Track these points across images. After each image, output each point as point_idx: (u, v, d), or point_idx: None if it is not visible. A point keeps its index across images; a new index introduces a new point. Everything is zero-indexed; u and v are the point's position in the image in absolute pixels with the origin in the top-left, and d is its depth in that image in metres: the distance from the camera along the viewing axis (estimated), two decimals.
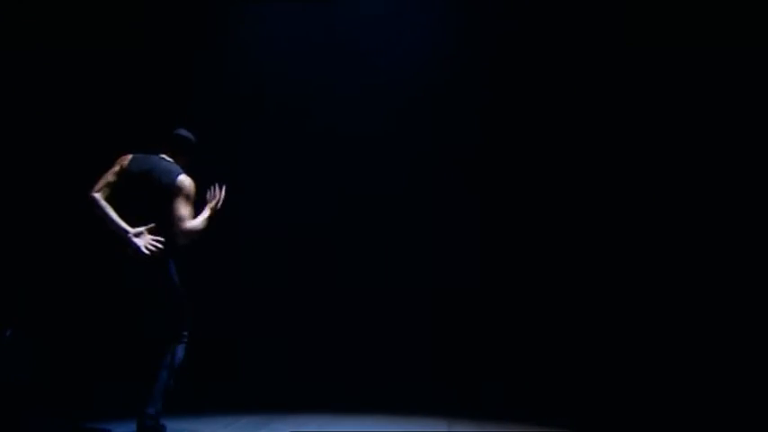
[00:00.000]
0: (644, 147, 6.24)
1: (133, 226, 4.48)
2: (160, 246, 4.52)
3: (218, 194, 4.76)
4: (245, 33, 6.85)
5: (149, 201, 4.59)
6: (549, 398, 6.01)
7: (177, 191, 4.56)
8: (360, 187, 6.70)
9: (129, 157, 4.68)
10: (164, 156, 4.73)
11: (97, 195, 4.54)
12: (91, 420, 5.12)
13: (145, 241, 4.50)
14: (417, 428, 5.14)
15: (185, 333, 4.65)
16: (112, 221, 4.49)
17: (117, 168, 4.64)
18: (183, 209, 4.55)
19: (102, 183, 4.58)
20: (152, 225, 4.54)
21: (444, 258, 6.58)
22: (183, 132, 4.84)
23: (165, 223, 4.54)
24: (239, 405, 5.82)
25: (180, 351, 4.60)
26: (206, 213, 4.68)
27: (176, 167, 4.68)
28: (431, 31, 6.72)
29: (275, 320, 6.57)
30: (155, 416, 4.54)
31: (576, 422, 5.37)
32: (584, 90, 6.44)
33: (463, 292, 6.50)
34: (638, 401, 5.75)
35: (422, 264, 6.59)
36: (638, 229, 6.22)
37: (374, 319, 6.51)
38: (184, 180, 4.61)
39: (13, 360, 4.74)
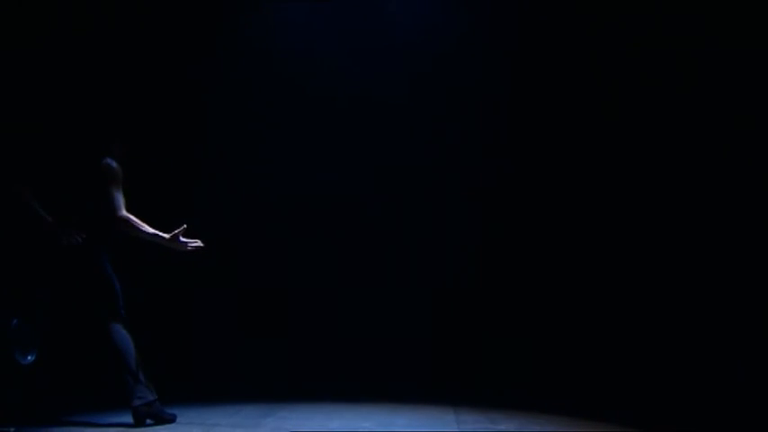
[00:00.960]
0: (654, 138, 6.18)
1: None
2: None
3: (189, 245, 4.71)
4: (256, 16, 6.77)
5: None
6: (550, 384, 6.05)
7: (102, 175, 4.67)
8: (362, 174, 6.67)
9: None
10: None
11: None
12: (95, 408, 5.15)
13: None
14: (424, 418, 5.11)
15: (122, 314, 4.72)
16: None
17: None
18: (113, 193, 4.65)
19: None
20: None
21: (446, 245, 6.56)
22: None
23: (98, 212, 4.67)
24: (242, 395, 5.78)
25: (119, 332, 4.65)
26: (159, 233, 4.67)
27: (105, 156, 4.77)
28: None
29: (278, 311, 6.54)
30: (142, 404, 4.62)
31: (577, 407, 5.36)
32: (592, 87, 6.37)
33: (467, 276, 6.51)
34: (629, 388, 5.78)
35: (424, 251, 6.57)
36: (645, 225, 6.17)
37: (378, 309, 6.48)
38: (109, 163, 4.71)
39: (19, 343, 4.71)
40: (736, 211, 5.74)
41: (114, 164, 4.76)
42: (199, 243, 4.73)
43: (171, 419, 4.78)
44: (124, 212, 4.65)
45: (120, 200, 4.68)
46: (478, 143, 6.61)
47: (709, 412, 5.09)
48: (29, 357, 4.86)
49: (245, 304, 6.58)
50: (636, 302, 6.10)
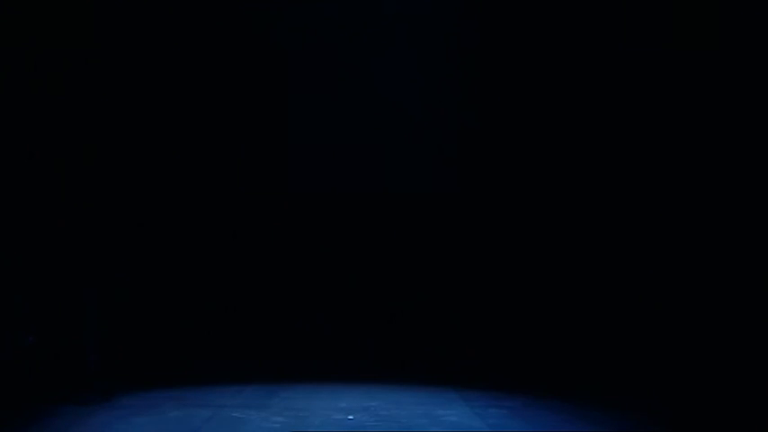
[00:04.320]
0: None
1: None
2: None
3: None
4: None
5: None
6: (552, 365, 6.06)
7: None
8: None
9: None
10: None
11: None
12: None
13: None
14: (429, 396, 5.14)
15: None
16: None
17: None
18: None
19: None
20: None
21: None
22: None
23: None
24: (240, 376, 5.73)
25: None
26: None
27: None
28: None
29: (277, 292, 6.53)
30: None
31: (579, 390, 5.41)
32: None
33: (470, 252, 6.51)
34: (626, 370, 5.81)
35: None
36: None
37: (379, 288, 6.48)
38: None
39: (21, 327, 4.70)
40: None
41: None
42: None
43: None
44: None
45: None
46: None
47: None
48: (30, 338, 4.84)
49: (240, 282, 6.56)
50: (642, 287, 6.13)
